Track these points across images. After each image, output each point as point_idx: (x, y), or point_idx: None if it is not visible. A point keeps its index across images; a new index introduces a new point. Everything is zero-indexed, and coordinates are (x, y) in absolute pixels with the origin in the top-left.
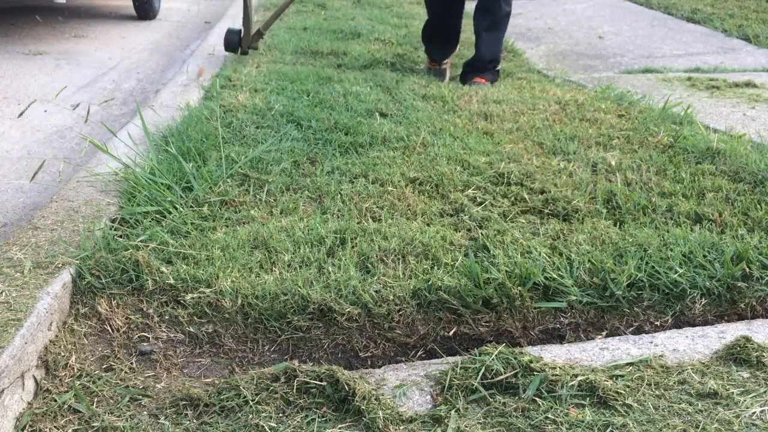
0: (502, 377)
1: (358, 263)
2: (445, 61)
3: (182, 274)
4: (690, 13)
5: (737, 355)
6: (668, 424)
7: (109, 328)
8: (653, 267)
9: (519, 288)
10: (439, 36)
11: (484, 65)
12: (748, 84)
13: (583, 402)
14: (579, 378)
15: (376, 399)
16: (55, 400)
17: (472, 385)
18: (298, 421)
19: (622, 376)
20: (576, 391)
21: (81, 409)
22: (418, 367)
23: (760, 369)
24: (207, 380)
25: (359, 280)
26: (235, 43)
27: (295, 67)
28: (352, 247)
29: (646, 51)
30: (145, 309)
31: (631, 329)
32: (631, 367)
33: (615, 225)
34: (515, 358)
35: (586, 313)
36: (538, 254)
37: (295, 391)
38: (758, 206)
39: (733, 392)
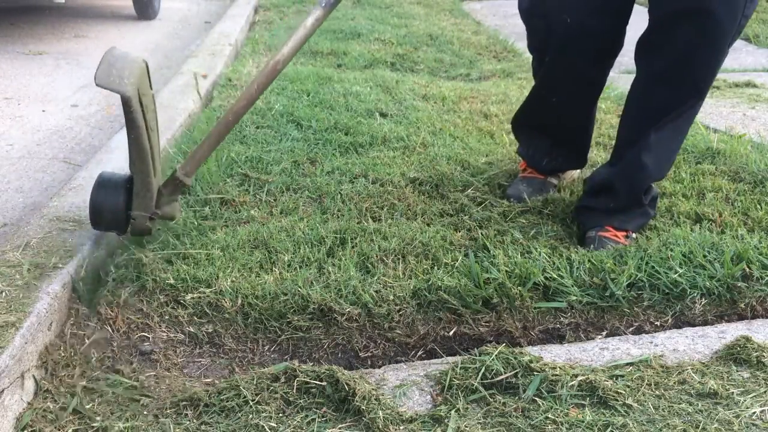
0: (502, 377)
1: (358, 263)
2: (558, 175)
3: (182, 274)
4: None
5: (737, 355)
6: (668, 424)
7: (109, 329)
8: (653, 267)
9: (519, 288)
10: (553, 131)
11: (634, 197)
12: (748, 84)
13: (583, 402)
14: (579, 378)
15: (376, 399)
16: (55, 400)
17: (472, 385)
18: (298, 421)
19: (622, 376)
20: (576, 391)
21: (81, 409)
22: (418, 367)
23: (760, 369)
24: (207, 380)
25: (359, 280)
26: (117, 212)
27: (295, 67)
28: (352, 247)
29: None
30: (145, 309)
31: (631, 329)
32: (631, 367)
33: None
34: (515, 358)
35: (586, 313)
36: (538, 254)
37: (295, 391)
38: (758, 206)
39: (733, 392)
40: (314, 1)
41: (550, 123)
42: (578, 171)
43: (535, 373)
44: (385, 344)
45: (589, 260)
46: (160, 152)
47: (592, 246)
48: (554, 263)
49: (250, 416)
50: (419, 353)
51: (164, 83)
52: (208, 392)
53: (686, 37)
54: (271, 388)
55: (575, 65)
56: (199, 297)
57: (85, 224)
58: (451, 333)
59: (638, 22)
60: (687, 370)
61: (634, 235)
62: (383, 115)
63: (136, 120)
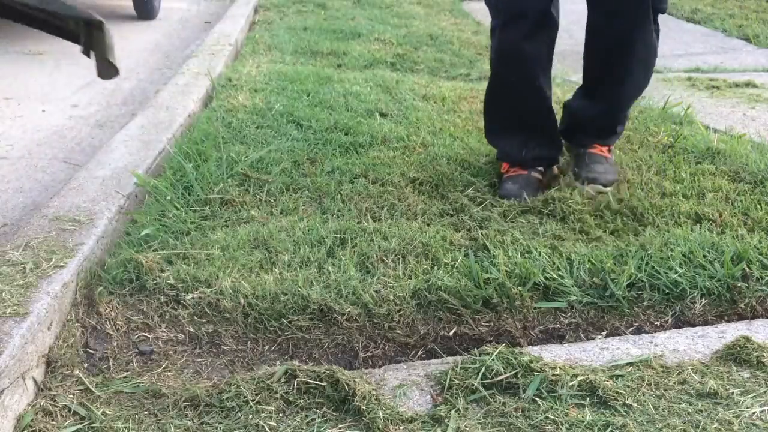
0: (502, 377)
1: (358, 263)
2: (539, 170)
3: (182, 274)
4: (690, 13)
5: (737, 355)
6: (668, 424)
7: (109, 328)
8: (653, 267)
9: (519, 288)
10: (519, 117)
11: (617, 117)
12: (748, 84)
13: (583, 402)
14: (579, 378)
15: (376, 399)
16: (55, 400)
17: (472, 385)
18: (298, 421)
19: (622, 376)
20: (576, 391)
21: (81, 409)
22: (418, 367)
23: (760, 369)
24: (207, 380)
25: (359, 280)
26: None
27: (295, 67)
28: (352, 247)
29: None
30: (145, 309)
31: (631, 329)
32: (631, 367)
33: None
34: (515, 358)
35: (586, 313)
36: (538, 254)
37: (295, 391)
38: (758, 206)
39: (733, 392)
40: (314, 2)
41: (515, 108)
42: (556, 168)
43: (535, 373)
44: (385, 344)
45: (589, 260)
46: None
47: (583, 164)
48: (554, 263)
49: (250, 416)
50: (419, 353)
51: (164, 83)
52: (208, 392)
53: None
54: (271, 388)
55: (516, 39)
56: (200, 297)
57: (84, 224)
58: (451, 333)
59: None
60: (687, 370)
61: (612, 149)
62: (383, 115)
63: None
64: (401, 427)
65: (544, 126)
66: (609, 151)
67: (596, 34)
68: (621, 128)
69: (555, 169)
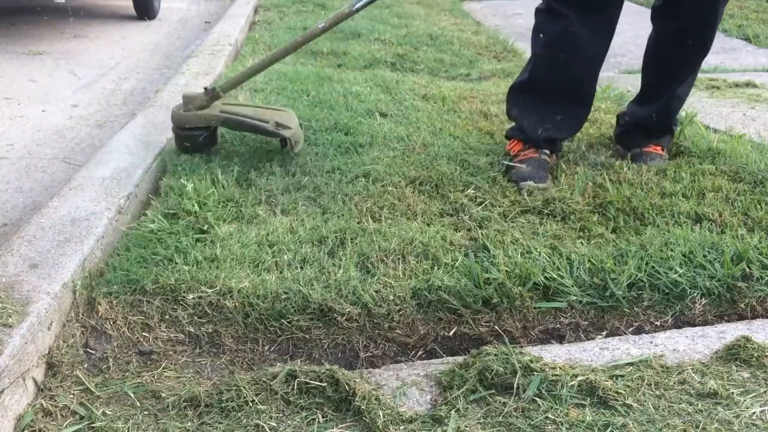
0: (502, 377)
1: (359, 263)
2: (547, 152)
3: (182, 275)
4: None
5: (737, 355)
6: (668, 424)
7: (109, 328)
8: (653, 267)
9: (519, 288)
10: (556, 94)
11: (670, 124)
12: (748, 84)
13: (583, 402)
14: (579, 378)
15: (376, 399)
16: (55, 400)
17: (473, 385)
18: (298, 421)
19: (622, 376)
20: (576, 391)
21: (81, 409)
22: (418, 367)
23: (760, 369)
24: (207, 380)
25: (359, 280)
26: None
27: (295, 67)
28: (353, 247)
29: None
30: (145, 309)
31: (631, 329)
32: (631, 367)
33: (614, 228)
34: (515, 358)
35: (586, 313)
36: (538, 254)
37: (295, 391)
38: (758, 206)
39: (733, 392)
40: (314, 2)
41: (557, 85)
42: (555, 156)
43: (535, 373)
44: (385, 344)
45: (589, 260)
46: None
47: (641, 160)
48: (554, 263)
49: (250, 416)
50: (419, 353)
51: (164, 83)
52: (208, 392)
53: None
54: (271, 388)
55: (574, 20)
56: (200, 297)
57: (84, 224)
58: (451, 333)
59: (637, 21)
60: (687, 370)
61: (667, 155)
62: (383, 115)
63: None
64: (401, 427)
65: (572, 105)
66: (663, 150)
67: (665, 46)
68: (675, 127)
69: (555, 157)
